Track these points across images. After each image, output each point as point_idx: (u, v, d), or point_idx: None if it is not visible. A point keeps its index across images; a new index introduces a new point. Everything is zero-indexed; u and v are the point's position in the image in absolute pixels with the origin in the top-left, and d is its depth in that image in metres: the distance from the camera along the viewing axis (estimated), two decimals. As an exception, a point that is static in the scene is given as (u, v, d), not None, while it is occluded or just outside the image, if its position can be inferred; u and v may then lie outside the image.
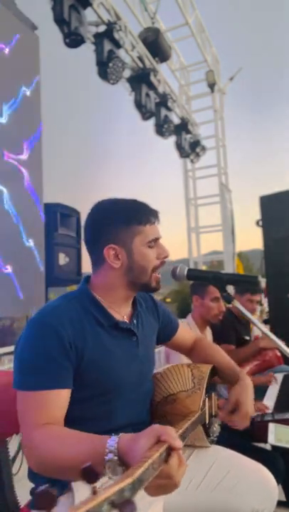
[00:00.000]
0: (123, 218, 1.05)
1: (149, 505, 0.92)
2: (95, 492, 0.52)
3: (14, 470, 2.47)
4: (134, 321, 1.12)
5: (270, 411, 1.68)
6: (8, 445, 1.16)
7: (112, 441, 0.75)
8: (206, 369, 1.20)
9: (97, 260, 1.08)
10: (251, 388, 1.19)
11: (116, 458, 0.73)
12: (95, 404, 1.00)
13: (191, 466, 1.13)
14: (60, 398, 0.92)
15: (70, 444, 0.83)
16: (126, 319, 1.11)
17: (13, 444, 2.57)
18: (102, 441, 0.76)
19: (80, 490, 0.95)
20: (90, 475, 0.54)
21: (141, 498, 0.91)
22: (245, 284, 1.30)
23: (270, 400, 1.87)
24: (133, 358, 1.08)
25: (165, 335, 1.31)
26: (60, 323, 0.95)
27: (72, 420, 0.92)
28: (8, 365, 5.14)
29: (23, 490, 1.21)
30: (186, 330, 1.42)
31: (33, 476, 1.04)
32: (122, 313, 1.10)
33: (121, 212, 1.06)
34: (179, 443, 0.72)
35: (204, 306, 2.12)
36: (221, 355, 1.32)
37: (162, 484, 0.71)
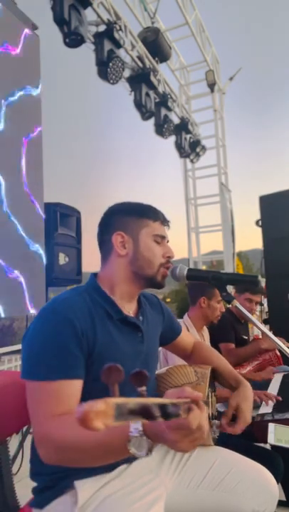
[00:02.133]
0: (134, 210, 1.11)
1: (150, 505, 0.92)
2: (142, 395, 0.59)
3: (14, 469, 2.47)
4: (140, 318, 1.14)
5: (270, 410, 1.68)
6: (8, 444, 1.17)
7: None
8: (207, 367, 1.23)
9: (106, 251, 1.12)
10: (252, 397, 1.20)
11: (142, 432, 0.73)
12: (103, 397, 1.00)
13: (193, 465, 1.15)
14: (73, 388, 0.91)
15: None
16: (132, 315, 1.12)
17: (13, 443, 2.58)
18: None
19: (83, 488, 0.95)
20: (140, 378, 0.60)
21: (141, 497, 0.91)
22: (245, 284, 1.30)
23: (269, 399, 1.86)
24: (138, 353, 1.09)
25: (168, 337, 1.33)
26: (72, 313, 0.95)
27: None
28: (8, 364, 5.14)
29: (23, 489, 1.21)
30: (187, 334, 1.43)
31: (35, 474, 1.04)
32: (127, 309, 1.11)
33: (133, 206, 1.13)
34: (198, 394, 0.75)
35: (211, 307, 2.13)
36: (222, 360, 1.33)
37: (188, 436, 0.73)
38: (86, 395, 0.96)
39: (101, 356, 0.98)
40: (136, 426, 0.73)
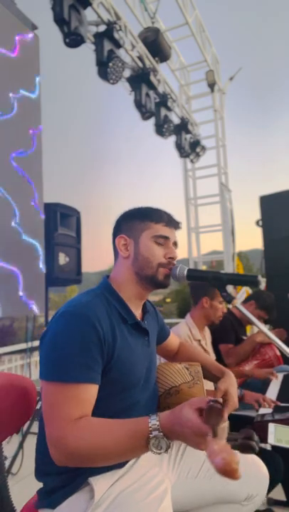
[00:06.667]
0: (138, 214, 1.15)
1: (162, 498, 0.93)
2: (215, 432, 0.69)
3: (14, 470, 2.47)
4: (146, 322, 1.17)
5: (270, 411, 1.68)
6: (2, 449, 1.15)
7: (153, 419, 0.82)
8: (198, 365, 1.26)
9: (115, 254, 1.17)
10: (236, 384, 1.25)
11: (161, 434, 0.80)
12: (115, 400, 1.02)
13: (188, 457, 1.20)
14: (90, 392, 0.92)
15: (110, 429, 0.86)
16: (139, 319, 1.15)
17: (13, 443, 2.58)
18: (143, 421, 0.83)
19: (98, 484, 0.96)
20: (217, 413, 0.71)
21: (152, 491, 0.93)
22: (245, 284, 1.30)
23: (270, 399, 1.86)
24: (146, 356, 1.12)
25: (159, 339, 1.37)
26: (96, 317, 0.96)
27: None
28: (8, 365, 5.14)
29: (23, 490, 1.21)
30: (174, 336, 1.48)
31: (43, 475, 1.04)
32: (135, 313, 1.13)
33: (139, 210, 1.16)
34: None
35: (213, 307, 2.15)
36: (205, 355, 1.41)
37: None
38: (99, 399, 0.96)
39: (119, 362, 0.99)
40: (154, 427, 0.80)
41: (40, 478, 1.05)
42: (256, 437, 0.68)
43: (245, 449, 0.65)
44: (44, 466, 1.03)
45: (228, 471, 0.61)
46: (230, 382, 1.22)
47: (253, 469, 1.19)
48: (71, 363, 0.90)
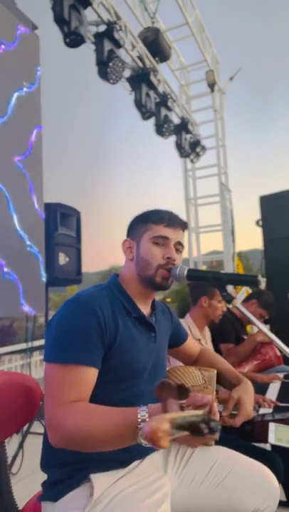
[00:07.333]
0: (142, 217, 1.18)
1: (160, 502, 0.93)
2: (182, 408, 0.65)
3: (14, 470, 2.47)
4: (153, 319, 1.18)
5: (270, 410, 1.68)
6: (5, 447, 1.16)
7: (142, 410, 0.80)
8: (213, 371, 1.25)
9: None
10: (253, 392, 1.22)
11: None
12: (116, 389, 1.03)
13: (194, 463, 1.16)
14: (89, 376, 0.94)
15: (102, 415, 0.86)
16: (147, 315, 1.17)
17: (13, 443, 2.58)
18: (133, 411, 0.82)
19: (98, 481, 0.96)
20: (183, 392, 0.67)
21: (152, 494, 0.94)
22: (245, 284, 1.30)
23: (270, 399, 1.86)
24: (151, 352, 1.13)
25: (175, 341, 1.37)
26: (98, 305, 1.00)
27: (96, 403, 0.93)
28: (8, 364, 5.15)
29: (23, 490, 1.21)
30: (193, 341, 1.48)
31: (48, 467, 1.05)
32: (142, 309, 1.15)
33: (144, 213, 1.19)
34: (208, 397, 0.82)
35: (212, 306, 2.16)
36: (225, 363, 1.38)
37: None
38: (102, 385, 0.98)
39: (121, 349, 1.01)
40: (143, 418, 0.79)
41: (44, 469, 1.06)
42: (214, 423, 0.65)
43: (194, 429, 0.61)
44: (48, 457, 1.04)
45: (152, 439, 0.56)
46: (245, 390, 1.20)
47: (262, 480, 1.12)
48: (71, 345, 0.94)
